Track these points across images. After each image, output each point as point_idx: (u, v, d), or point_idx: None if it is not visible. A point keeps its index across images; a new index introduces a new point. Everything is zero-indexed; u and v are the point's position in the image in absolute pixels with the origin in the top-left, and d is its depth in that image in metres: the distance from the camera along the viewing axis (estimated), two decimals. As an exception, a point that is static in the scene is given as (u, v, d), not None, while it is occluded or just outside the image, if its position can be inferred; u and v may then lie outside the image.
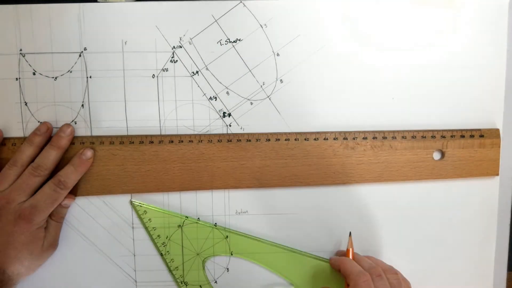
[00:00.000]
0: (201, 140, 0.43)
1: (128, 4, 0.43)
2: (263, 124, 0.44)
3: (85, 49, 0.43)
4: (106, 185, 0.43)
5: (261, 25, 0.43)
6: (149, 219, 0.44)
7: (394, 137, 0.44)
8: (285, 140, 0.44)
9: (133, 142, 0.43)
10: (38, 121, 0.43)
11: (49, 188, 0.40)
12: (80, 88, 0.43)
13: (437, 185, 0.45)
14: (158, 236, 0.44)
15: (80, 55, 0.43)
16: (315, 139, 0.44)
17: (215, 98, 0.44)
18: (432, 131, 0.44)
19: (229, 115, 0.44)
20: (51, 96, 0.43)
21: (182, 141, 0.43)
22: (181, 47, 0.43)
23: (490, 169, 0.44)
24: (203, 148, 0.43)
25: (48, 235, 0.42)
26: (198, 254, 0.45)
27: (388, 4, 0.43)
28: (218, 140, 0.43)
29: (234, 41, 0.43)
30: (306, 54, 0.44)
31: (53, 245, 0.43)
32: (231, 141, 0.43)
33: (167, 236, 0.44)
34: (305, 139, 0.44)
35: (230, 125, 0.44)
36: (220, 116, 0.44)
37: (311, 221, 0.45)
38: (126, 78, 0.43)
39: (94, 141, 0.43)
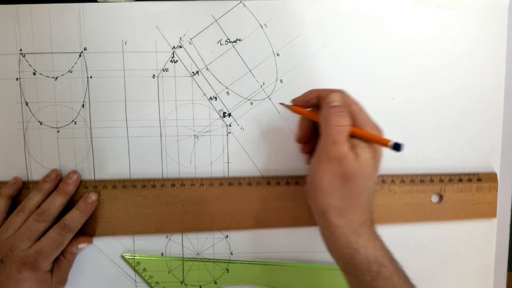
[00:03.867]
0: (203, 184, 0.43)
1: (128, 4, 0.43)
2: (263, 124, 0.44)
3: (85, 49, 0.43)
4: (108, 227, 0.44)
5: (261, 25, 0.43)
6: (144, 269, 0.44)
7: (393, 181, 0.44)
8: (286, 184, 0.44)
9: (135, 186, 0.43)
10: (39, 121, 0.43)
11: (55, 233, 0.40)
12: (80, 88, 0.43)
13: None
14: (157, 283, 0.45)
15: (80, 55, 0.43)
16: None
17: (215, 98, 0.44)
18: (431, 175, 0.44)
19: (229, 115, 0.44)
20: (52, 96, 0.43)
21: (184, 185, 0.43)
22: (181, 47, 0.43)
23: (487, 212, 0.45)
24: (204, 191, 0.43)
25: (58, 272, 0.42)
26: (198, 254, 0.45)
27: (388, 4, 0.43)
28: (220, 184, 0.44)
29: (234, 41, 0.43)
30: (306, 54, 0.44)
31: (62, 281, 0.43)
32: (232, 184, 0.44)
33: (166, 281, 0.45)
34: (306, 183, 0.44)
35: (230, 125, 0.44)
36: (220, 116, 0.44)
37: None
38: (126, 78, 0.43)
39: (97, 185, 0.43)
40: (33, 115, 0.43)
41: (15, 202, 0.43)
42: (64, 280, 0.43)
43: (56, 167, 0.44)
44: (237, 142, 0.44)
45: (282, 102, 0.42)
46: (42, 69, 0.43)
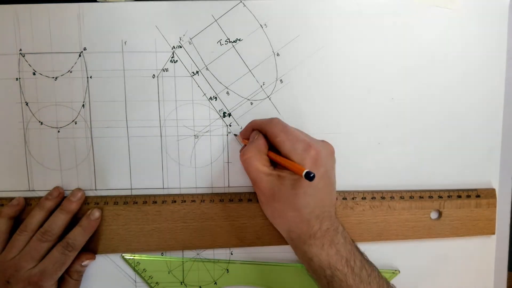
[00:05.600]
0: (203, 200, 0.44)
1: (128, 4, 0.43)
2: (263, 124, 0.44)
3: (85, 49, 0.43)
4: (109, 244, 0.44)
5: (261, 25, 0.43)
6: (144, 269, 0.44)
7: (392, 197, 0.44)
8: None
9: (136, 202, 0.43)
10: (39, 121, 0.43)
11: (58, 252, 0.40)
12: (80, 88, 0.43)
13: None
14: (157, 283, 0.45)
15: (80, 55, 0.43)
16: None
17: (215, 98, 0.44)
18: (430, 191, 0.45)
19: (229, 115, 0.44)
20: (52, 96, 0.43)
21: (185, 201, 0.44)
22: (181, 47, 0.43)
23: (486, 228, 0.45)
24: (205, 208, 0.44)
25: None
26: (197, 254, 0.45)
27: (388, 4, 0.43)
28: (220, 200, 0.44)
29: (234, 41, 0.43)
30: (306, 54, 0.44)
31: None
32: (232, 200, 0.44)
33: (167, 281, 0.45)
34: None
35: (230, 125, 0.44)
36: (220, 116, 0.44)
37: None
38: (126, 78, 0.43)
39: (99, 202, 0.43)
40: (33, 115, 0.43)
41: (17, 220, 0.42)
42: None
43: (56, 168, 0.44)
44: (237, 142, 0.44)
45: (236, 133, 0.44)
46: (42, 69, 0.43)
